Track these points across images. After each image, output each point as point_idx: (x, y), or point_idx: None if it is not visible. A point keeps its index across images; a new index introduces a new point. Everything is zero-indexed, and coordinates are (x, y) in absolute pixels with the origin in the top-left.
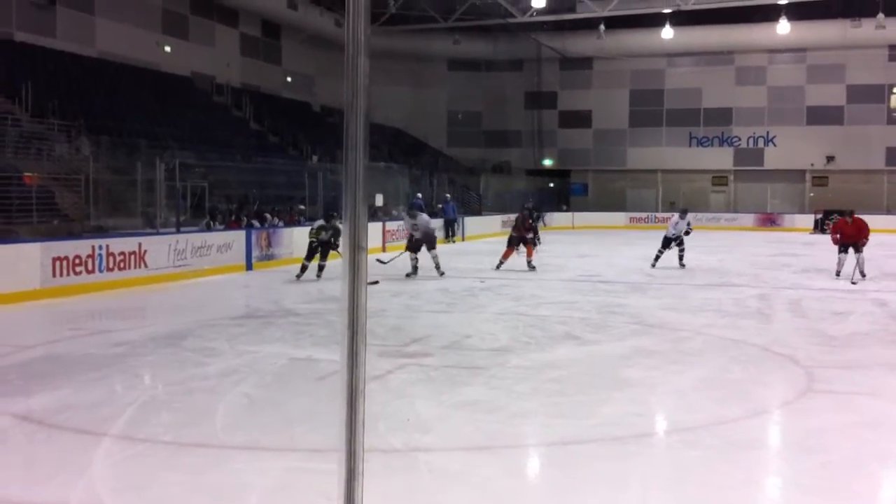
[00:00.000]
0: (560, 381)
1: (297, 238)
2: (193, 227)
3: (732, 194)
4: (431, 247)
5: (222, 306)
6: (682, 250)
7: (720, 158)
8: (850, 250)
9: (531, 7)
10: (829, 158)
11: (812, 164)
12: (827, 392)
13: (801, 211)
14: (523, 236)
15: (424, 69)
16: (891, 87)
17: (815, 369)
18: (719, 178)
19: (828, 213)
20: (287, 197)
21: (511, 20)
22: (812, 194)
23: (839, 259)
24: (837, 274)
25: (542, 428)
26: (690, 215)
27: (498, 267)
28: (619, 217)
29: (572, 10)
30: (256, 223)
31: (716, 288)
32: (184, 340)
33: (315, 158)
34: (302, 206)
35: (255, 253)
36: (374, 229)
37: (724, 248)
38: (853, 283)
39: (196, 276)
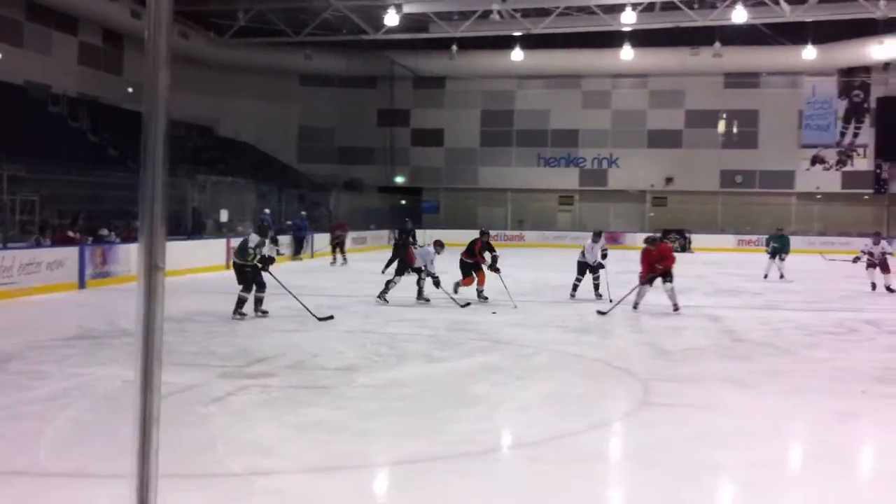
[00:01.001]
0: (407, 399)
1: (135, 254)
2: (22, 244)
3: (578, 213)
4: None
5: (52, 327)
6: (597, 278)
7: (567, 178)
8: (659, 281)
9: (384, 25)
10: (669, 180)
11: (652, 185)
12: (663, 405)
13: (643, 230)
14: (478, 263)
15: (275, 83)
16: (722, 113)
17: (652, 382)
18: (566, 198)
19: (666, 232)
20: (125, 212)
21: (364, 37)
22: (652, 214)
23: (640, 291)
24: (635, 307)
25: (387, 447)
26: (551, 234)
27: (455, 290)
28: (471, 235)
29: (425, 29)
30: (90, 239)
31: (561, 304)
32: (9, 363)
33: None
34: (139, 222)
35: (89, 270)
36: (219, 246)
37: (569, 265)
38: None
39: (24, 294)
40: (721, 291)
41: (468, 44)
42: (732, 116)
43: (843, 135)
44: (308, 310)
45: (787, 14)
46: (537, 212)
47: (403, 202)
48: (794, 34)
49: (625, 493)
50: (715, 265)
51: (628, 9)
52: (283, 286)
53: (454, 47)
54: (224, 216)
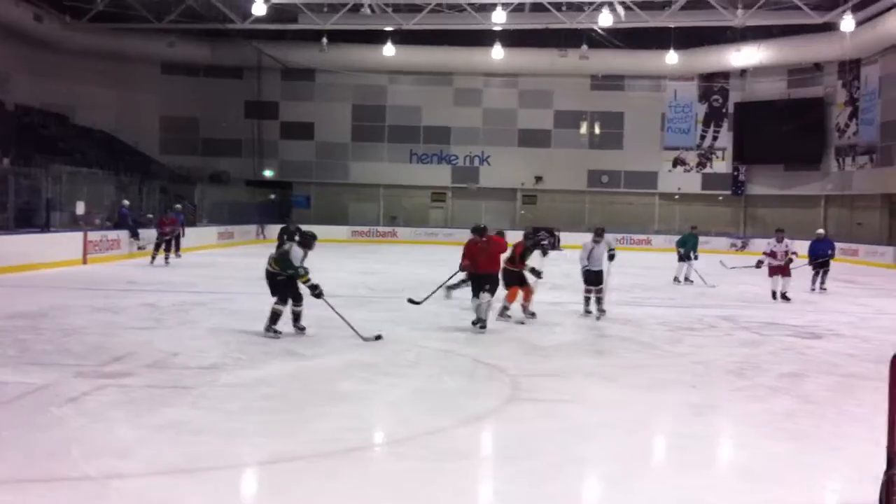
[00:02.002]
0: (272, 397)
1: None
2: None
3: (450, 210)
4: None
5: None
6: (599, 291)
7: (439, 175)
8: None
9: (251, 14)
10: (538, 178)
11: (522, 184)
12: (531, 400)
13: (513, 227)
14: (522, 273)
15: (135, 71)
16: (589, 114)
17: (521, 378)
18: (438, 195)
19: (536, 230)
20: None
21: (230, 26)
22: (522, 212)
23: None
24: (481, 326)
25: (252, 447)
26: (424, 231)
27: (502, 313)
28: (342, 231)
29: (294, 20)
30: None
31: (433, 301)
32: None
33: (7, 161)
34: None
35: None
36: (75, 239)
37: (442, 261)
38: (481, 327)
39: None
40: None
41: (339, 37)
42: (599, 118)
43: (703, 138)
44: (354, 330)
45: (651, 19)
46: (410, 208)
47: (272, 196)
48: (658, 39)
49: (492, 488)
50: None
51: (499, 8)
52: (337, 313)
53: (324, 40)
54: (80, 208)
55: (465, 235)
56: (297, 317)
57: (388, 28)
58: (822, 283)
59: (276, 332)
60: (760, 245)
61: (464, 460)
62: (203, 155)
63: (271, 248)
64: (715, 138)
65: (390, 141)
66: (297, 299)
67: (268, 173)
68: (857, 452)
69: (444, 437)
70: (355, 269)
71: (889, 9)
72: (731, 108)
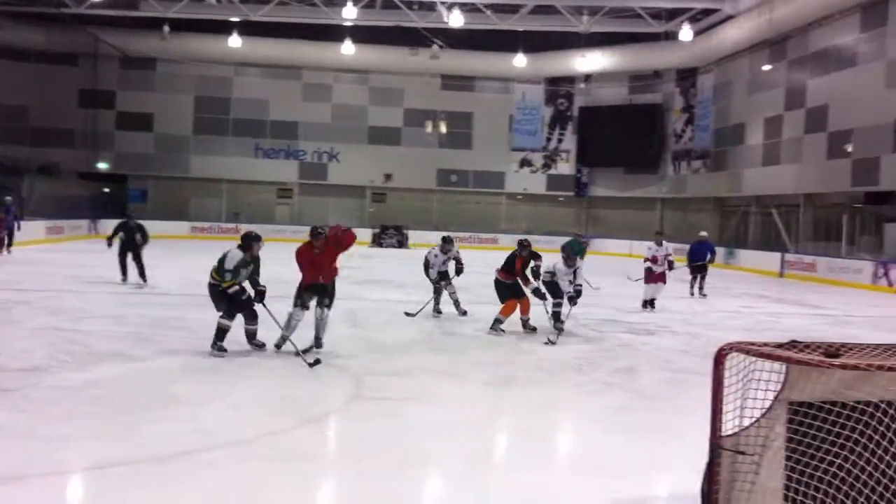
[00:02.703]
0: (101, 400)
1: None
2: None
3: (297, 207)
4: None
5: None
6: (568, 300)
7: (286, 171)
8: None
9: None
10: (388, 176)
11: (372, 181)
12: (375, 398)
13: (362, 225)
14: (518, 285)
15: None
16: (438, 113)
17: (366, 377)
18: (285, 191)
19: (385, 228)
20: None
21: (64, 10)
22: (372, 210)
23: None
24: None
25: (80, 452)
26: (269, 228)
27: (494, 326)
28: (182, 226)
29: (134, 6)
30: None
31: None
32: None
33: None
34: None
35: None
36: None
37: (288, 259)
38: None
39: None
40: None
41: (182, 25)
42: (449, 117)
43: (548, 140)
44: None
45: (500, 22)
46: (254, 204)
47: (107, 190)
48: (508, 42)
49: (335, 488)
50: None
51: (350, 4)
52: (276, 321)
53: (166, 28)
54: None
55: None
56: (250, 335)
57: (234, 19)
58: (701, 287)
59: (221, 349)
60: (602, 245)
61: (306, 460)
62: (33, 146)
63: (101, 244)
64: (560, 141)
65: (235, 134)
66: (251, 318)
67: (102, 166)
68: (686, 444)
69: (286, 438)
70: (194, 266)
71: (723, 21)
72: (575, 112)
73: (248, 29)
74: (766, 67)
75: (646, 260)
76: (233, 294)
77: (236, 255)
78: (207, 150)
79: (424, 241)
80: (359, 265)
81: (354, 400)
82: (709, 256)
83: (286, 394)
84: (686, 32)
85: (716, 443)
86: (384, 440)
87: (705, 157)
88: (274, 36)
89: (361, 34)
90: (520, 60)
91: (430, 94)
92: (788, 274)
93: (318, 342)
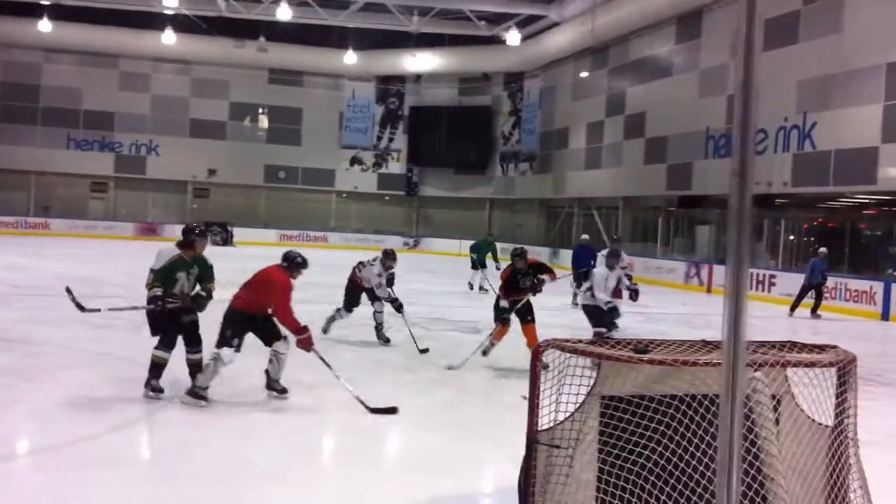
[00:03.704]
0: None
1: None
2: None
3: (112, 202)
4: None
5: None
6: (612, 322)
7: (101, 164)
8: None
9: None
10: (212, 171)
11: (194, 176)
12: (189, 404)
13: (183, 221)
14: (517, 299)
15: None
16: (266, 108)
17: (184, 380)
18: (99, 185)
19: (209, 224)
20: None
21: None
22: (195, 206)
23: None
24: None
25: None
26: (82, 223)
27: (485, 353)
28: None
29: None
30: None
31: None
32: None
33: None
34: None
35: None
36: None
37: (101, 257)
38: None
39: None
40: None
41: None
42: (277, 112)
43: (379, 139)
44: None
45: (330, 18)
46: (66, 198)
47: None
48: (339, 38)
49: (144, 497)
50: (258, 259)
51: None
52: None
53: None
54: None
55: (128, 229)
56: (194, 368)
57: (45, 2)
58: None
59: (156, 388)
60: (431, 244)
61: (115, 468)
62: None
63: None
64: (391, 140)
65: (44, 124)
66: (193, 343)
67: None
68: (509, 440)
69: (94, 445)
70: None
71: (550, 27)
72: (406, 112)
73: (60, 13)
74: (584, 74)
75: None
76: (172, 311)
77: (169, 253)
78: (13, 140)
79: (251, 238)
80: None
81: (170, 404)
82: (593, 263)
83: (96, 399)
84: (514, 37)
85: (532, 437)
86: (195, 446)
87: (532, 160)
88: (88, 21)
89: (183, 23)
90: (350, 57)
91: (258, 87)
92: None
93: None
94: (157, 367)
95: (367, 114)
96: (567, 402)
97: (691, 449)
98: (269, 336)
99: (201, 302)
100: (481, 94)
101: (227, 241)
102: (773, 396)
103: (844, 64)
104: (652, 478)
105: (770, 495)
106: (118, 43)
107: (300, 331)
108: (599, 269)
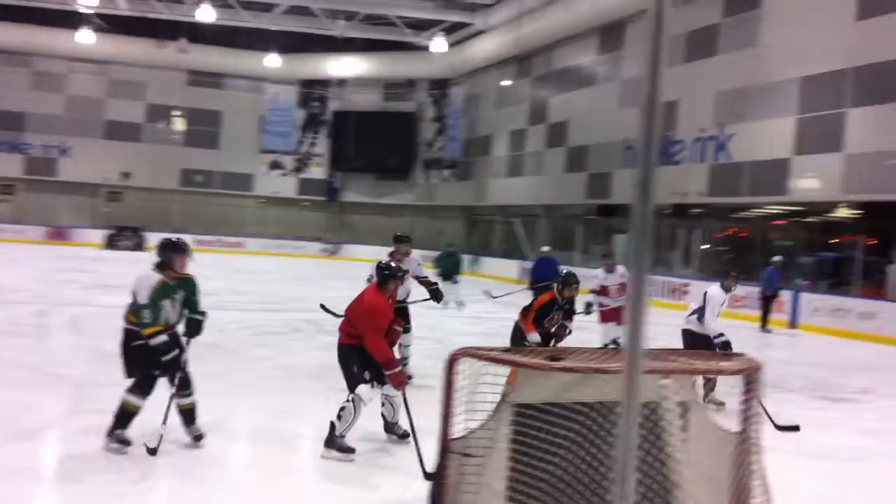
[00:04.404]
0: None
1: None
2: None
3: (21, 205)
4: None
5: None
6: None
7: (8, 165)
8: None
9: None
10: (126, 174)
11: (107, 179)
12: (99, 412)
13: (95, 226)
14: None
15: None
16: (184, 110)
17: (89, 388)
18: (5, 187)
19: (121, 229)
20: None
21: None
22: (107, 209)
23: None
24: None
25: None
26: None
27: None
28: None
29: None
30: None
31: None
32: None
33: None
34: None
35: None
36: None
37: (7, 262)
38: None
39: None
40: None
41: None
42: (195, 115)
43: (300, 143)
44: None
45: (253, 20)
46: None
47: None
48: (261, 41)
49: None
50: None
51: None
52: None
53: None
54: None
55: (37, 233)
56: (187, 415)
57: None
58: None
59: (122, 441)
60: (352, 251)
61: (12, 479)
62: None
63: None
64: (313, 144)
65: None
66: (185, 382)
67: None
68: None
69: None
70: None
71: (475, 35)
72: (329, 116)
73: None
74: (506, 83)
75: (592, 292)
76: (156, 347)
77: (149, 280)
78: None
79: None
80: (89, 268)
81: (75, 414)
82: (554, 277)
83: None
84: (439, 44)
85: (445, 446)
86: (103, 458)
87: (454, 167)
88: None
89: (100, 22)
90: (273, 60)
91: (176, 89)
92: (528, 281)
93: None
94: (127, 416)
95: (289, 118)
96: (481, 411)
97: (600, 456)
98: (380, 373)
99: (195, 327)
100: (405, 99)
101: (139, 246)
102: (682, 404)
103: (761, 77)
104: (562, 485)
105: (676, 501)
106: (31, 41)
107: (390, 364)
108: (716, 292)
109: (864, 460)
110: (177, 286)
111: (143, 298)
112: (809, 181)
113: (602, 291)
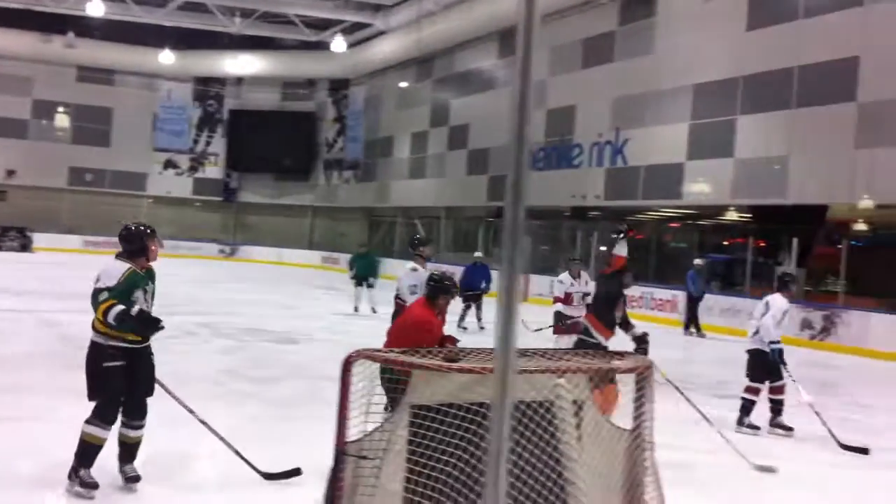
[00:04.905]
0: None
1: None
2: None
3: None
4: None
5: None
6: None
7: None
8: None
9: None
10: (10, 173)
11: None
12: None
13: None
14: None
15: None
16: (73, 107)
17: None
18: None
19: (6, 229)
20: None
21: None
22: None
23: None
24: None
25: None
26: None
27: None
28: None
29: None
30: None
31: None
32: None
33: None
34: None
35: None
36: None
37: None
38: None
39: None
40: (66, 295)
41: None
42: (84, 112)
43: (196, 142)
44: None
45: (145, 15)
46: None
47: None
48: (154, 37)
49: None
50: (59, 266)
51: None
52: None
53: None
54: None
55: None
56: (131, 450)
57: None
58: (479, 318)
59: (87, 484)
60: (250, 252)
61: None
62: None
63: None
64: (209, 143)
65: None
66: (135, 411)
67: None
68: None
69: None
70: None
71: (376, 36)
72: (226, 115)
73: None
74: (403, 84)
75: (556, 300)
76: (121, 318)
77: (117, 268)
78: None
79: (52, 244)
80: None
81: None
82: (484, 284)
83: None
84: (339, 44)
85: (340, 448)
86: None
87: (356, 168)
88: None
89: None
90: (167, 57)
91: (64, 85)
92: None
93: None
94: (91, 451)
95: (184, 116)
96: (377, 413)
97: None
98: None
99: (152, 325)
100: (305, 99)
101: (25, 246)
102: (576, 402)
103: (655, 84)
104: (458, 485)
105: (570, 499)
106: None
107: None
108: (778, 300)
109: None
110: (147, 277)
111: (109, 281)
112: (702, 185)
113: (565, 299)
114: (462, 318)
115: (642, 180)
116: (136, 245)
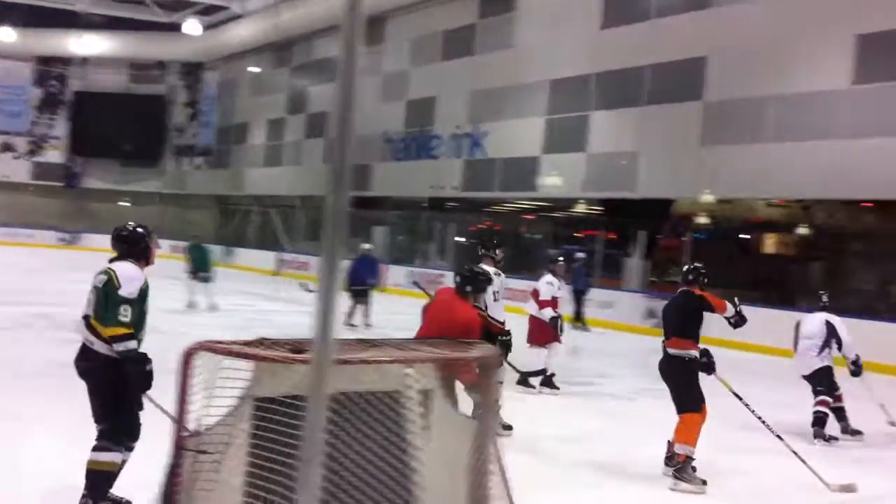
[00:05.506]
0: None
1: None
2: None
3: None
4: None
5: None
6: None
7: None
8: None
9: None
10: None
11: None
12: None
13: None
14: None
15: None
16: None
17: None
18: None
19: None
20: None
21: None
22: None
23: None
24: None
25: None
26: None
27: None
28: None
29: None
30: None
31: None
32: None
33: None
34: None
35: None
36: None
37: None
38: None
39: None
40: None
41: None
42: None
43: (35, 124)
44: None
45: None
46: None
47: None
48: None
49: None
50: None
51: None
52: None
53: None
54: None
55: None
56: (111, 480)
57: None
58: (367, 315)
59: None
60: (92, 240)
61: None
62: None
63: None
64: (50, 126)
65: None
66: (128, 431)
67: None
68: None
69: None
70: None
71: (232, 19)
72: (69, 97)
73: None
74: (256, 69)
75: (545, 304)
76: (126, 356)
77: (137, 275)
78: None
79: None
80: None
81: None
82: (370, 281)
83: None
84: (192, 26)
85: (178, 444)
86: None
87: (208, 154)
88: None
89: None
90: (6, 34)
91: None
92: (285, 272)
93: None
94: (107, 479)
95: (22, 96)
96: (219, 406)
97: (342, 448)
98: None
99: (146, 374)
100: (155, 82)
101: None
102: (424, 392)
103: (514, 78)
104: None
105: (414, 486)
106: None
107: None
108: (832, 318)
109: (595, 440)
110: (147, 284)
111: (131, 290)
112: (555, 178)
113: (552, 303)
114: (350, 314)
115: (500, 172)
116: (140, 246)
